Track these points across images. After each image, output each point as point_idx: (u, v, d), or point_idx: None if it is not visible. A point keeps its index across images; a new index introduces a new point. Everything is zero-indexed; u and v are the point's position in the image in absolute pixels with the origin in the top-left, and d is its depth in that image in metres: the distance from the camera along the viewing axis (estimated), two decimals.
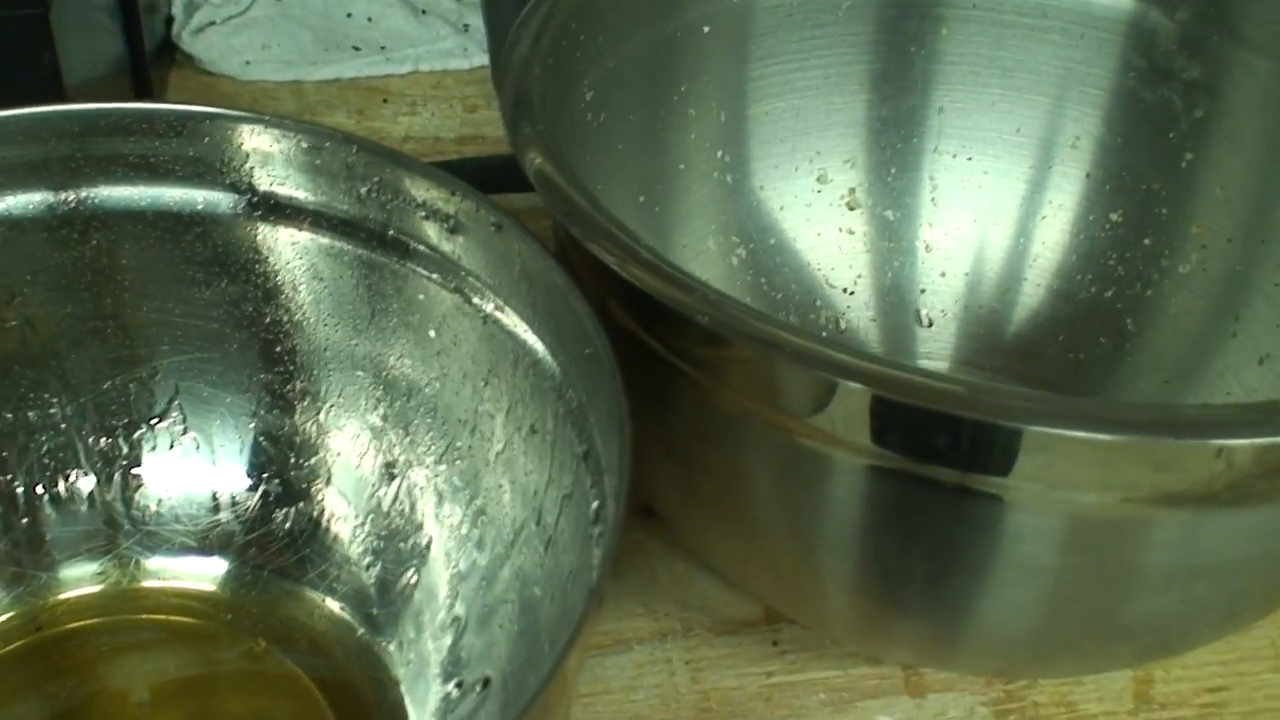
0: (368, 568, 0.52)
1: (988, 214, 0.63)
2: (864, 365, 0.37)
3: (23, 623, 0.52)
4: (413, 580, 0.51)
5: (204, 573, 0.53)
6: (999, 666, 0.52)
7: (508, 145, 0.45)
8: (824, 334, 0.62)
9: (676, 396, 0.44)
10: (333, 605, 0.52)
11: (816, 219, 0.63)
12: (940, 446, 0.39)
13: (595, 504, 0.40)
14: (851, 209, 0.64)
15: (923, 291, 0.64)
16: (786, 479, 0.44)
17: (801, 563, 0.46)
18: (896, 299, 0.65)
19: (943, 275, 0.64)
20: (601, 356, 0.40)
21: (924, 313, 0.64)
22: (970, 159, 0.63)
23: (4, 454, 0.53)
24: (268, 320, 0.52)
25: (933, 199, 0.64)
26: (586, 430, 0.42)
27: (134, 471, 0.54)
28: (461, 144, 0.77)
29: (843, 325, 0.63)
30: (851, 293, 0.65)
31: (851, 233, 0.64)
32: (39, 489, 0.53)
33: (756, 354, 0.40)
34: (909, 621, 0.47)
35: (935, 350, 0.64)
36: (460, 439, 0.49)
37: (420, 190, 0.47)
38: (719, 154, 0.60)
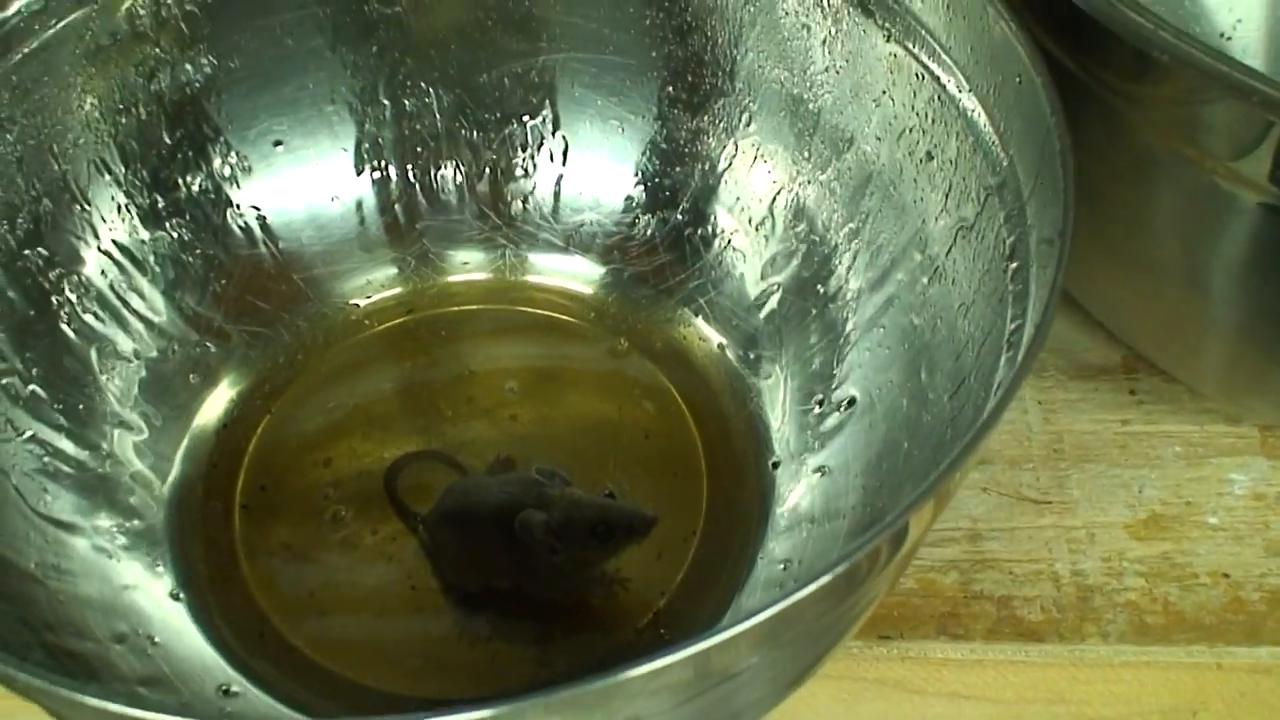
0: (733, 281, 0.52)
1: None
2: None
3: (397, 304, 0.54)
4: (776, 297, 0.51)
5: (568, 270, 0.54)
6: None
7: None
8: None
9: (1093, 128, 0.42)
10: (694, 315, 0.52)
11: None
12: None
13: (1010, 239, 0.40)
14: None
15: None
16: (1194, 219, 0.43)
17: (1191, 306, 0.45)
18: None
19: None
20: (1036, 86, 0.38)
21: None
22: None
23: (380, 140, 0.54)
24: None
25: None
26: (999, 161, 0.41)
27: (504, 169, 0.55)
28: None
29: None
30: (1229, 38, 0.61)
31: None
32: (412, 176, 0.54)
33: (1201, 88, 0.38)
34: None
35: None
36: (842, 158, 0.49)
37: None
38: None
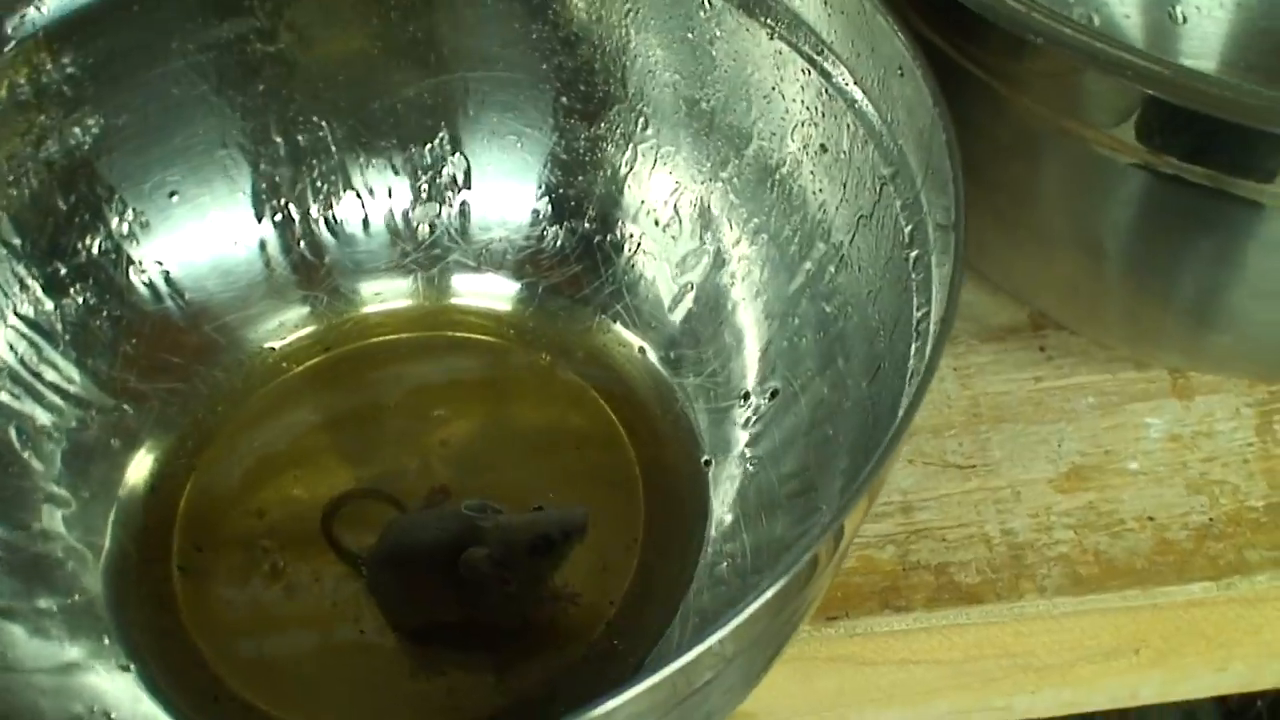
0: (647, 284, 0.53)
1: None
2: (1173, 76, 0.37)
3: (313, 342, 0.54)
4: (691, 296, 0.52)
5: (483, 290, 0.55)
6: (1262, 370, 0.52)
7: None
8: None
9: (976, 109, 0.43)
10: (612, 322, 0.53)
11: None
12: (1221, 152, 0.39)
13: (908, 227, 0.40)
14: None
15: None
16: (1078, 186, 0.44)
17: (1085, 267, 0.47)
18: None
19: None
20: (917, 78, 0.39)
21: (1178, 9, 0.61)
22: None
23: (277, 179, 0.54)
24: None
25: None
26: (891, 152, 0.42)
27: (407, 195, 0.55)
28: None
29: (1096, 21, 0.61)
30: None
31: None
32: (314, 213, 0.54)
33: (1070, 64, 0.39)
34: (1179, 323, 0.48)
35: (1194, 49, 0.61)
36: (741, 155, 0.49)
37: None
38: None
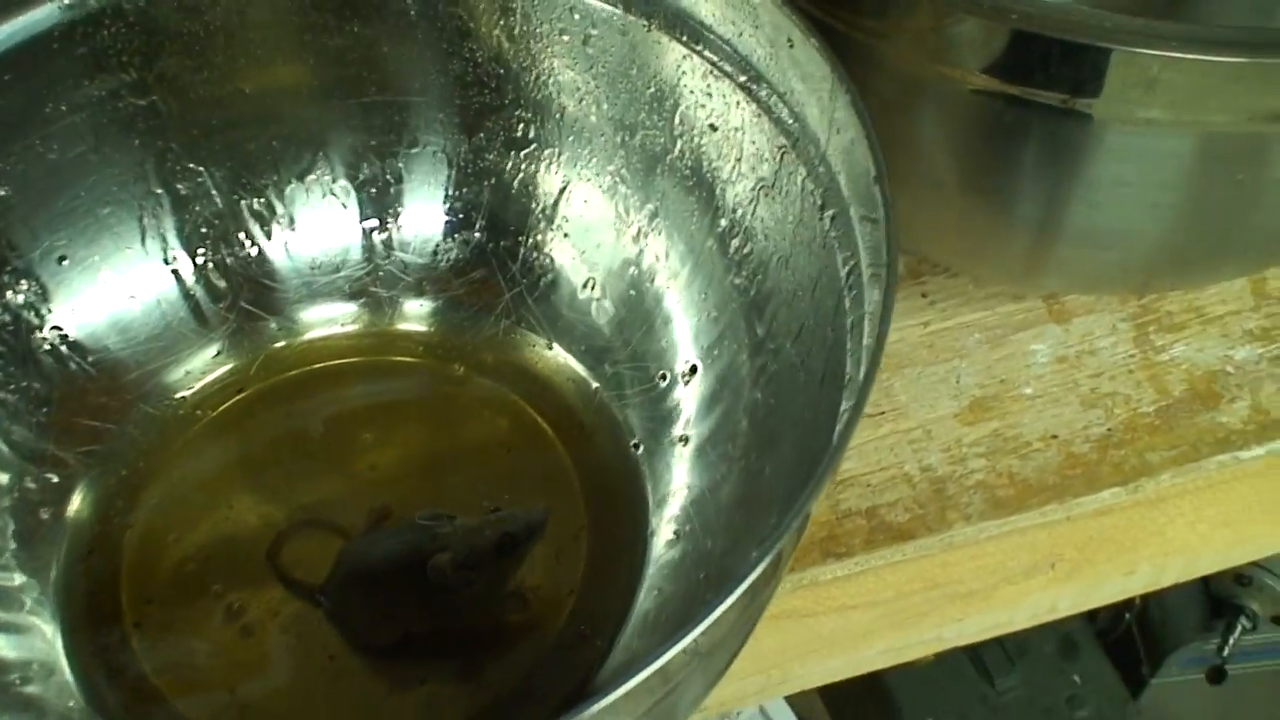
0: (547, 282, 0.54)
1: None
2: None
3: (224, 386, 0.54)
4: (596, 287, 0.53)
5: (386, 312, 0.55)
6: (1130, 282, 0.56)
7: None
8: None
9: (856, 69, 0.46)
10: (517, 325, 0.54)
11: None
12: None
13: (818, 190, 0.43)
14: None
15: None
16: (950, 126, 0.47)
17: (967, 206, 0.50)
18: None
19: None
20: (809, 46, 0.41)
21: None
22: None
23: (163, 230, 0.53)
24: None
25: None
26: (786, 121, 0.44)
27: (295, 228, 0.55)
28: None
29: None
30: None
31: None
32: (202, 259, 0.54)
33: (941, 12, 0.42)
34: (1050, 245, 0.51)
35: None
36: (628, 145, 0.51)
37: None
38: None
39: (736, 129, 0.47)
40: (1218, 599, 0.99)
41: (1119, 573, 0.57)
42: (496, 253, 0.55)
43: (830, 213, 0.42)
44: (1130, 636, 1.02)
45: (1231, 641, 0.97)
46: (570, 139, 0.53)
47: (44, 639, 0.46)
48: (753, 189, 0.47)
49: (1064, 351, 0.56)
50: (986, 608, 0.56)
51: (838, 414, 0.38)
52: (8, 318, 0.50)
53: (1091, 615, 1.05)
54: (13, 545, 0.48)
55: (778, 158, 0.45)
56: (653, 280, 0.52)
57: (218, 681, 0.46)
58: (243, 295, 0.54)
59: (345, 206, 0.55)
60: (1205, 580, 1.00)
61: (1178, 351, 0.56)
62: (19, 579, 0.47)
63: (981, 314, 0.57)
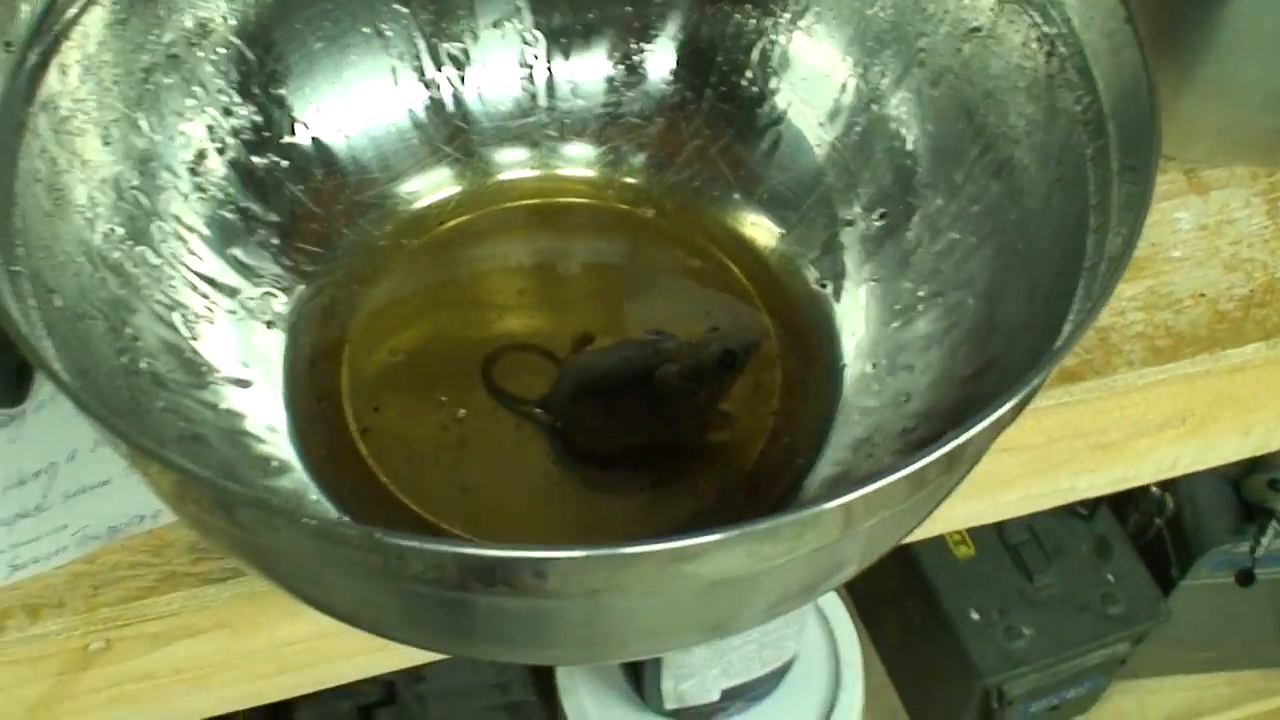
0: (729, 135, 0.56)
1: None
2: None
3: (455, 204, 0.56)
4: (776, 139, 0.56)
5: (574, 156, 0.58)
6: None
7: None
8: None
9: None
10: (699, 172, 0.57)
11: None
12: None
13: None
14: None
15: None
16: None
17: None
18: None
19: None
20: None
21: None
22: None
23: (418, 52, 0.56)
24: None
25: None
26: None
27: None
28: None
29: None
30: None
31: None
32: (453, 82, 0.56)
33: None
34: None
35: None
36: None
37: None
38: None
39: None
40: (1249, 503, 1.03)
41: (1237, 433, 0.61)
42: (685, 103, 0.57)
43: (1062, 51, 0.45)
44: (1161, 540, 1.07)
45: (1263, 545, 1.01)
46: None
47: (282, 450, 0.49)
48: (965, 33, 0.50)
49: (1205, 220, 0.59)
50: (1119, 459, 0.60)
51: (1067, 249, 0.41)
52: (260, 119, 0.52)
53: (1124, 518, 1.10)
54: (239, 352, 0.50)
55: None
56: (861, 124, 0.54)
57: (442, 474, 0.49)
58: (483, 122, 0.57)
59: (537, 57, 0.57)
60: (1236, 485, 1.05)
61: None
62: (250, 385, 0.49)
63: None
